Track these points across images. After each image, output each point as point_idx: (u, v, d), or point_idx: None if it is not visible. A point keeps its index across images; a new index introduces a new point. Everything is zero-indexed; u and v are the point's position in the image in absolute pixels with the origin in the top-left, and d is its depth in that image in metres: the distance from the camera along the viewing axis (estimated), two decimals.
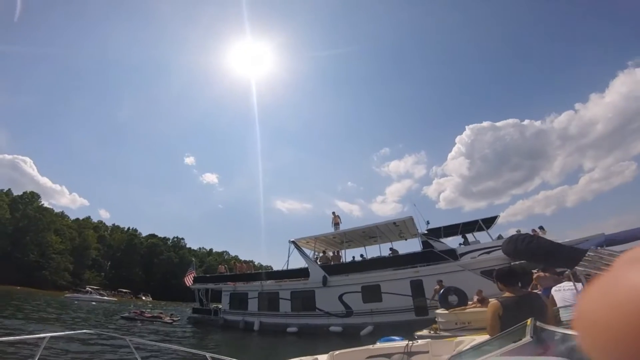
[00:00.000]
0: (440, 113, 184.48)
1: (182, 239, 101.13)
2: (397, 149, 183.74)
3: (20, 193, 69.35)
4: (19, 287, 53.10)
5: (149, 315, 22.63)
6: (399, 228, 18.50)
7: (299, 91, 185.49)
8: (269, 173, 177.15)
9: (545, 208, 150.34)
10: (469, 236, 16.28)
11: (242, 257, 68.06)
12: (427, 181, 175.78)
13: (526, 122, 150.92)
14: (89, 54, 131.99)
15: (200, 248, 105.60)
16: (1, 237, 59.42)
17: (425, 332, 7.09)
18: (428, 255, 15.12)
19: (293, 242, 20.14)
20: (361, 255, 19.78)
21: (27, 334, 9.42)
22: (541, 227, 13.99)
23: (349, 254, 20.96)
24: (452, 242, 16.55)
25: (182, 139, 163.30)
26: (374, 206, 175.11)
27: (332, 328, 15.63)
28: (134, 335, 13.31)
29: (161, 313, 24.00)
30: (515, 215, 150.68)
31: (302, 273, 18.78)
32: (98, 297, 48.27)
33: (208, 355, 3.03)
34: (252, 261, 62.25)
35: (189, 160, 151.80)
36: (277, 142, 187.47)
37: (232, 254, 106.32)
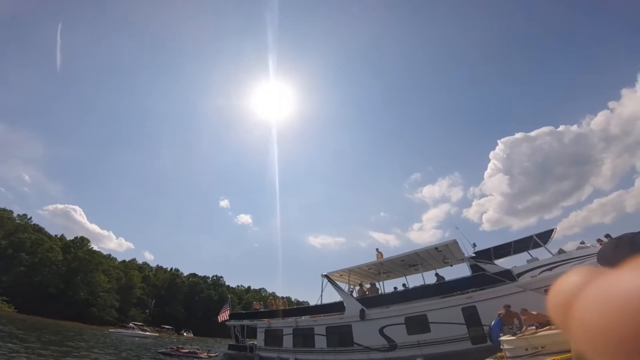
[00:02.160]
0: (467, 130, 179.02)
1: (221, 277, 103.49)
2: (429, 173, 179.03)
3: (72, 238, 75.17)
4: (68, 322, 55.79)
5: (186, 351, 22.44)
6: (442, 253, 17.04)
7: (322, 127, 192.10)
8: (300, 210, 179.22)
9: (604, 217, 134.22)
10: (524, 255, 14.73)
11: (279, 294, 67.00)
12: (466, 203, 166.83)
13: (561, 127, 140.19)
14: (128, 108, 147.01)
15: (238, 286, 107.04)
16: (55, 277, 63.91)
17: None
18: (480, 279, 13.50)
19: (326, 276, 19.34)
20: (403, 285, 18.29)
21: None
22: (608, 236, 12.04)
23: (389, 285, 19.60)
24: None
25: (216, 183, 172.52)
26: (411, 234, 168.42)
27: None
28: None
29: (197, 349, 23.68)
30: (571, 229, 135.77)
31: (338, 307, 17.83)
32: (140, 332, 49.21)
33: None
34: (288, 297, 60.77)
35: (224, 203, 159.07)
36: (306, 179, 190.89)
37: (269, 290, 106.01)
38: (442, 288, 14.71)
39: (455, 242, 15.44)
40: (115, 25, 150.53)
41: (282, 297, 29.81)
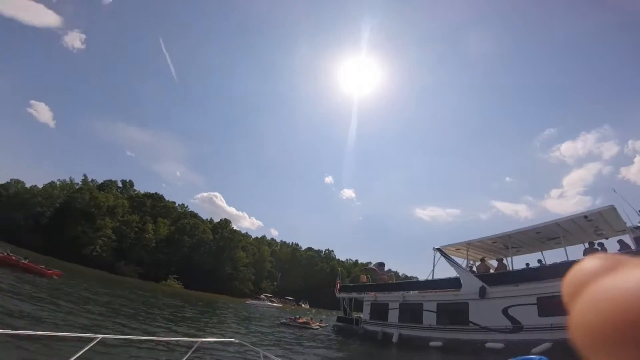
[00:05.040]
0: (615, 73, 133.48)
1: (332, 250, 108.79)
2: (567, 127, 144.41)
3: (217, 220, 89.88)
4: (218, 295, 66.05)
5: (301, 321, 24.07)
6: (594, 223, 13.56)
7: (417, 91, 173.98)
8: (403, 182, 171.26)
9: None
10: None
11: (386, 268, 64.85)
12: (623, 160, 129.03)
13: None
14: (234, 103, 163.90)
15: (347, 259, 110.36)
16: (208, 255, 77.10)
17: None
18: None
19: (438, 249, 17.87)
20: (539, 261, 15.61)
21: (182, 336, 10.64)
22: None
23: (519, 262, 16.45)
24: None
25: (318, 161, 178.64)
26: (548, 203, 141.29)
27: (489, 344, 12.71)
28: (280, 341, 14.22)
29: (311, 320, 25.14)
30: None
31: (451, 283, 16.38)
32: (269, 303, 56.49)
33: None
34: (395, 272, 58.92)
35: (328, 179, 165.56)
36: (405, 150, 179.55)
37: None
38: None
39: (612, 209, 12.24)
40: (207, 27, 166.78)
41: (389, 271, 28.62)
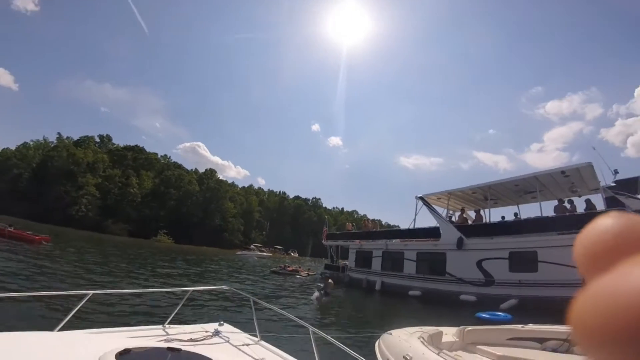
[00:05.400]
0: (608, 36, 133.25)
1: (319, 199, 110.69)
2: (554, 87, 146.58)
3: (202, 171, 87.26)
4: (208, 248, 64.26)
5: (291, 269, 25.20)
6: (570, 179, 13.85)
7: (409, 41, 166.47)
8: (389, 131, 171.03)
9: None
10: None
11: (370, 216, 67.56)
12: (605, 122, 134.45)
13: None
14: (214, 51, 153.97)
15: (334, 207, 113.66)
16: (196, 207, 75.73)
17: None
18: None
19: (421, 198, 18.08)
20: (515, 215, 15.91)
21: (173, 287, 11.02)
22: None
23: (496, 214, 17.33)
24: None
25: (305, 109, 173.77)
26: (527, 156, 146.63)
27: (463, 297, 13.53)
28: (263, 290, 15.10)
29: (299, 267, 26.50)
30: None
31: (432, 233, 16.78)
32: (259, 253, 57.65)
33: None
34: (379, 220, 61.61)
35: (315, 127, 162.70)
36: (393, 98, 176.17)
37: (361, 212, 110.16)
38: (563, 222, 11.99)
39: (590, 166, 12.35)
40: None
41: (373, 220, 29.90)
